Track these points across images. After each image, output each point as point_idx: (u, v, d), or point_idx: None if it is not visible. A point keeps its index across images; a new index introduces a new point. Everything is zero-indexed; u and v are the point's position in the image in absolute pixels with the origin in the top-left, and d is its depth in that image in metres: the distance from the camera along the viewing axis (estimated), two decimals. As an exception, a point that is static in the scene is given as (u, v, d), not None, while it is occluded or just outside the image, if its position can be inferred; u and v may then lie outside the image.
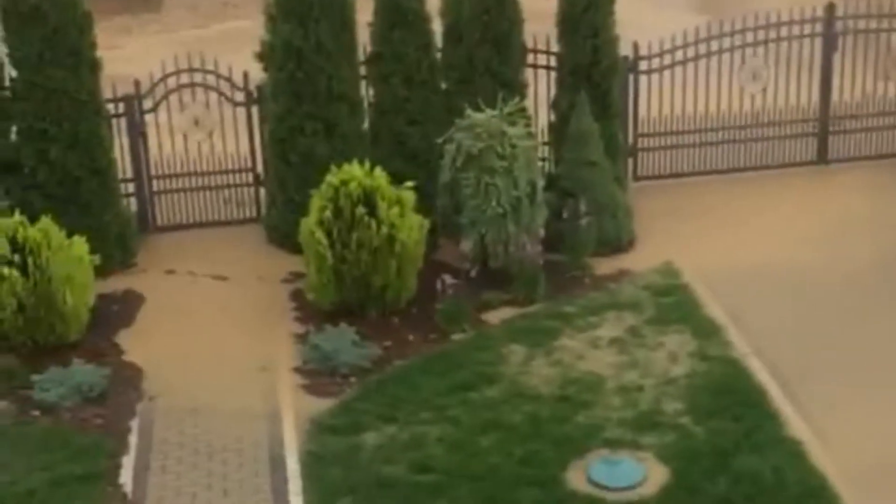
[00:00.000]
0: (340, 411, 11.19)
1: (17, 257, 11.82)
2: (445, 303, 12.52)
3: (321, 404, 11.31)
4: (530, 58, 14.61)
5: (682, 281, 13.23)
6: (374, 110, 14.22)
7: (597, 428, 10.82)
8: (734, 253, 13.79)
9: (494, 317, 12.65)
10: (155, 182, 14.61)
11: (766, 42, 15.53)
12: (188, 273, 13.75)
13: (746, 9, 15.98)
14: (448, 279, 12.59)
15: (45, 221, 12.13)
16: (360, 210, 12.32)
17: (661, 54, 15.24)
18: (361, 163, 12.70)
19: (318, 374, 11.76)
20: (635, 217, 14.20)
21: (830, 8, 15.57)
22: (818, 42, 15.62)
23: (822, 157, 15.93)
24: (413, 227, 12.55)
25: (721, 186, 15.42)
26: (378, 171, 12.65)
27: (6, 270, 11.73)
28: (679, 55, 15.34)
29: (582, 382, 11.49)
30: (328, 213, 12.38)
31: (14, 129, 13.36)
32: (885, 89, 15.92)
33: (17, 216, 12.12)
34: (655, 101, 15.25)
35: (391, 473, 10.31)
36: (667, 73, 15.26)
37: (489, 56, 14.04)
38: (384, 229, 12.34)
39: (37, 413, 11.27)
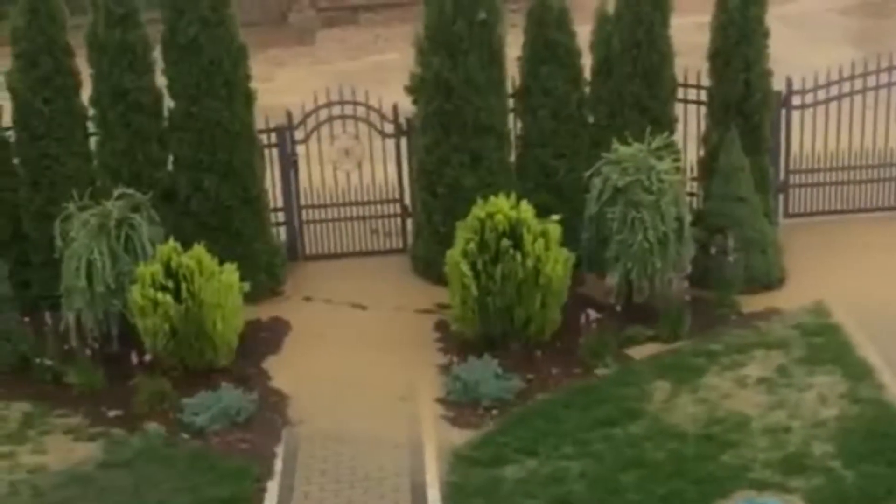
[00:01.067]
0: (482, 443, 11.19)
1: (170, 283, 12.10)
2: (589, 337, 12.45)
3: (463, 436, 11.33)
4: (680, 92, 14.49)
5: (834, 320, 12.93)
6: (521, 143, 14.26)
7: (742, 469, 10.62)
8: (888, 293, 13.41)
9: (638, 352, 12.53)
10: (304, 212, 14.85)
11: (922, 79, 15.16)
12: (335, 302, 13.92)
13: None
14: (592, 313, 12.50)
15: (198, 249, 12.41)
16: (506, 242, 12.33)
17: (814, 90, 14.97)
18: (507, 195, 12.72)
19: (460, 405, 11.79)
20: (786, 254, 13.94)
21: None
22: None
23: None
24: (558, 261, 12.51)
25: (874, 225, 15.05)
26: (524, 203, 12.66)
27: (160, 296, 12.02)
28: (833, 91, 15.05)
29: (728, 421, 11.30)
30: (473, 245, 12.41)
31: (171, 158, 13.73)
32: None
33: (171, 243, 12.42)
34: (808, 136, 14.98)
35: (532, 507, 10.27)
36: (820, 108, 14.99)
37: (639, 90, 13.98)
38: (529, 262, 12.33)
39: (185, 436, 11.51)
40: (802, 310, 13.17)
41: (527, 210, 12.62)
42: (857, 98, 15.04)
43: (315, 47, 23.76)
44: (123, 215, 12.67)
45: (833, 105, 15.01)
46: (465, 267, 12.37)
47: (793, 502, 10.14)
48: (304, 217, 14.87)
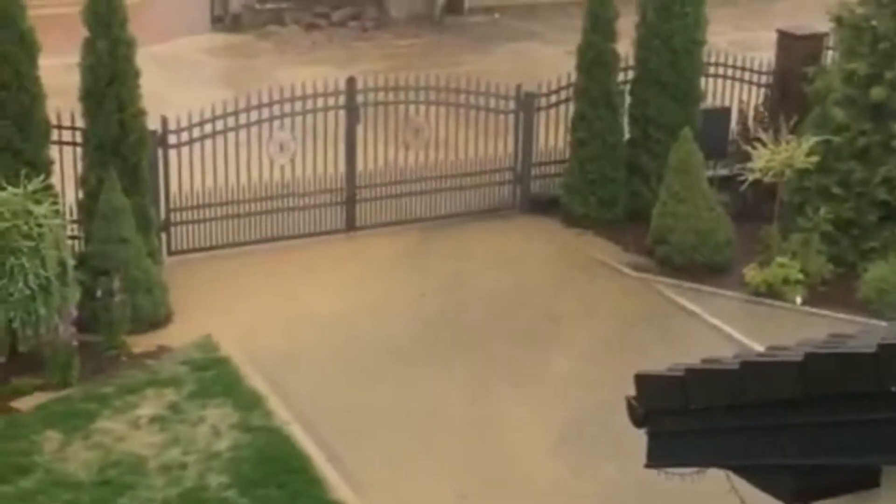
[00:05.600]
0: None
1: None
2: (-28, 393, 11.91)
3: None
4: (55, 133, 14.23)
5: (222, 354, 13.25)
6: None
7: (141, 510, 10.63)
8: (272, 322, 13.98)
9: (26, 403, 12.15)
10: None
11: (292, 115, 15.92)
12: None
13: (269, 82, 16.36)
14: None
15: None
16: None
17: (189, 128, 15.28)
18: None
19: None
20: (172, 292, 14.10)
21: (351, 82, 16.20)
22: (342, 114, 16.20)
23: (351, 224, 16.46)
24: (-67, 315, 11.86)
25: (256, 257, 15.60)
26: None
27: None
28: (208, 128, 15.44)
29: (123, 464, 11.25)
30: None
31: None
32: (406, 158, 16.70)
33: None
34: (186, 175, 15.25)
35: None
36: (196, 146, 15.32)
37: (11, 132, 13.54)
38: None
39: None
40: (191, 345, 13.39)
41: None
42: (231, 135, 15.53)
43: None
44: None
45: (209, 142, 15.40)
46: None
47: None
48: None
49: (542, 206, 17.30)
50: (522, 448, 11.86)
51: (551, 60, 20.76)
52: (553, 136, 17.43)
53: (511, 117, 17.22)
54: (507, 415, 12.42)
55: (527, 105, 17.17)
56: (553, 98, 17.35)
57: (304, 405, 12.27)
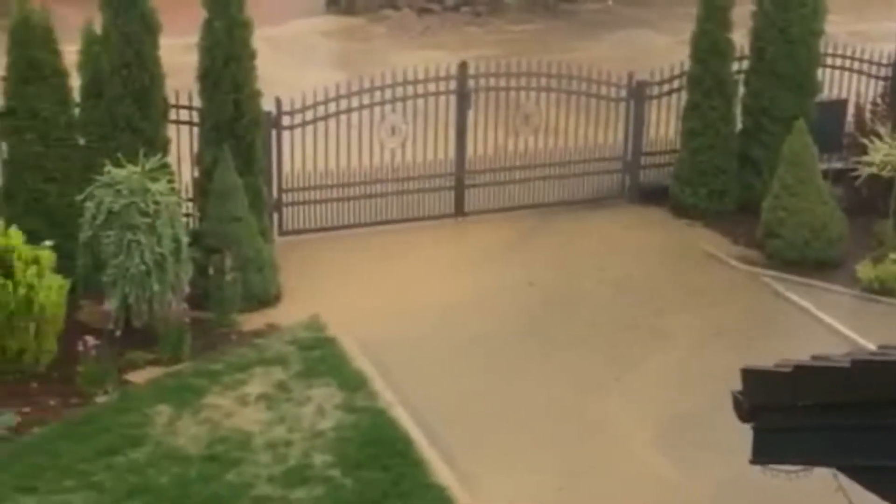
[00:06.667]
0: (-24, 484, 10.70)
1: None
2: (87, 365, 12.19)
3: (-45, 477, 10.78)
4: (172, 113, 14.50)
5: (329, 334, 13.39)
6: (9, 167, 13.74)
7: (246, 486, 10.77)
8: (380, 305, 14.11)
9: (140, 377, 12.41)
10: None
11: (404, 99, 16.04)
12: None
13: (382, 66, 16.48)
14: (90, 340, 12.25)
15: None
16: (-6, 271, 11.87)
17: (303, 110, 15.47)
18: (-5, 222, 12.26)
19: (-49, 446, 11.21)
20: (282, 271, 14.30)
21: (463, 67, 16.26)
22: (453, 99, 16.26)
23: (460, 210, 16.54)
24: (52, 288, 12.17)
25: (365, 239, 15.76)
26: (13, 229, 12.22)
27: None
28: (321, 111, 15.61)
29: (230, 440, 11.43)
30: (-40, 275, 11.85)
31: None
32: (515, 144, 16.73)
33: None
34: (299, 156, 15.45)
35: (32, 546, 9.94)
36: (309, 128, 15.51)
37: (130, 111, 13.84)
38: (21, 290, 11.91)
39: None
40: (299, 325, 13.55)
41: (16, 236, 12.19)
42: (343, 118, 15.70)
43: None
44: None
45: (321, 125, 15.58)
46: (-49, 299, 11.78)
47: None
48: None
49: (652, 195, 17.21)
50: (625, 441, 11.82)
51: (664, 49, 20.66)
52: (664, 125, 17.33)
53: (622, 105, 17.15)
54: (609, 407, 12.39)
55: (638, 93, 17.09)
56: (665, 87, 17.24)
57: (408, 389, 12.36)
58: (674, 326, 13.95)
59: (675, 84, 17.16)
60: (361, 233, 15.91)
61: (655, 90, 17.19)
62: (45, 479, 10.72)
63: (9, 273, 11.91)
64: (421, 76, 16.00)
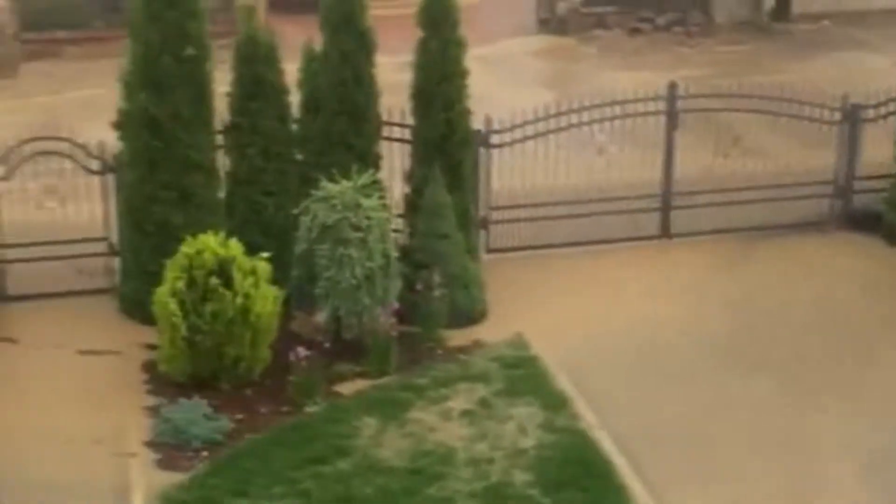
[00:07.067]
0: (192, 486, 11.15)
1: None
2: (298, 375, 12.61)
3: (172, 478, 11.26)
4: (385, 130, 14.86)
5: (532, 353, 13.52)
6: (230, 180, 14.31)
7: (447, 500, 10.98)
8: (583, 325, 14.17)
9: (348, 388, 12.77)
10: (7, 251, 14.41)
11: (612, 119, 16.07)
12: (39, 344, 13.55)
13: (591, 86, 16.54)
14: (301, 351, 12.68)
15: None
16: (214, 280, 12.36)
17: (511, 129, 15.64)
18: (216, 233, 12.76)
19: (169, 447, 11.71)
20: (487, 289, 14.49)
21: (672, 87, 16.20)
22: (662, 120, 16.22)
23: (666, 231, 16.48)
24: (267, 298, 12.63)
25: (571, 259, 15.82)
26: (233, 241, 12.73)
27: None
28: (529, 130, 15.76)
29: (433, 455, 11.66)
30: (181, 284, 12.39)
31: None
32: (724, 166, 16.56)
33: None
34: (507, 174, 15.63)
35: (243, 548, 10.35)
36: (518, 147, 15.67)
37: (345, 128, 14.25)
38: (238, 300, 12.39)
39: None
40: (503, 343, 13.71)
41: (236, 247, 12.69)
42: (551, 137, 15.81)
43: (18, 81, 23.05)
44: None
45: (529, 143, 15.72)
46: (173, 306, 12.33)
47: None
48: (7, 256, 14.43)
49: (864, 222, 16.80)
50: (832, 471, 11.62)
51: (881, 70, 20.14)
52: (879, 149, 16.90)
53: (835, 128, 16.81)
54: (815, 434, 12.18)
55: (853, 116, 16.72)
56: (882, 110, 16.82)
57: (610, 410, 12.40)
58: (881, 355, 13.62)
59: (893, 107, 16.73)
60: (567, 252, 15.97)
61: (871, 113, 16.79)
62: (256, 485, 11.14)
63: (228, 283, 12.40)
64: (630, 96, 16.01)
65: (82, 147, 14.24)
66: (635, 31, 25.64)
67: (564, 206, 16.04)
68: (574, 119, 15.98)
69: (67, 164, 14.39)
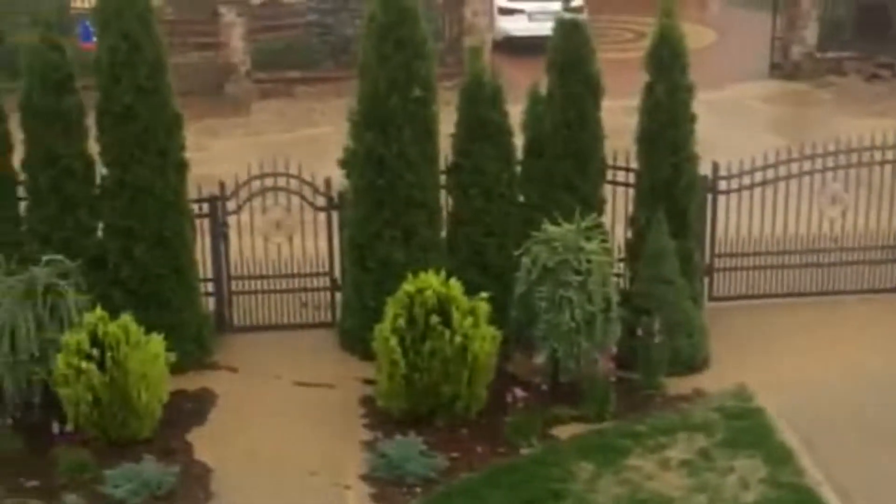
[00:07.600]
0: (406, 521, 11.19)
1: (95, 352, 12.00)
2: (515, 415, 12.51)
3: (387, 514, 11.32)
4: (609, 174, 14.71)
5: (756, 404, 13.09)
6: (452, 220, 14.37)
7: (664, 551, 10.72)
8: (809, 378, 13.64)
9: (563, 432, 12.59)
10: (234, 283, 14.83)
11: (846, 167, 15.52)
12: (263, 374, 13.87)
13: (826, 133, 16.01)
14: (518, 392, 12.58)
15: (125, 318, 12.33)
16: (434, 319, 12.39)
17: (740, 175, 15.26)
18: (437, 272, 12.81)
19: (384, 482, 11.76)
20: (710, 337, 14.12)
21: (913, 135, 15.55)
22: (897, 168, 15.58)
23: (901, 285, 15.79)
24: (486, 338, 12.59)
25: (798, 310, 15.29)
26: (453, 280, 12.75)
27: (84, 364, 11.92)
28: (758, 176, 15.35)
29: (650, 504, 11.41)
30: (402, 321, 12.45)
31: (101, 225, 13.68)
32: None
33: (99, 311, 12.33)
34: (734, 221, 15.26)
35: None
36: (745, 193, 15.28)
37: (569, 170, 14.16)
38: (457, 339, 12.38)
39: (106, 508, 11.39)
40: (725, 393, 13.32)
41: (456, 287, 12.70)
42: (781, 185, 15.36)
43: (250, 118, 23.91)
44: (50, 281, 12.59)
45: (758, 190, 15.31)
46: (393, 342, 12.39)
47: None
48: (233, 288, 14.85)
49: None
50: None
51: None
52: None
53: None
54: None
55: None
56: None
57: (837, 467, 11.88)
58: None
59: None
60: (796, 302, 15.45)
61: None
62: (469, 524, 11.07)
63: (447, 321, 12.41)
64: (865, 143, 15.42)
65: (309, 184, 14.55)
66: (874, 77, 24.82)
67: (795, 256, 15.54)
68: (806, 166, 15.49)
69: (295, 200, 14.71)
